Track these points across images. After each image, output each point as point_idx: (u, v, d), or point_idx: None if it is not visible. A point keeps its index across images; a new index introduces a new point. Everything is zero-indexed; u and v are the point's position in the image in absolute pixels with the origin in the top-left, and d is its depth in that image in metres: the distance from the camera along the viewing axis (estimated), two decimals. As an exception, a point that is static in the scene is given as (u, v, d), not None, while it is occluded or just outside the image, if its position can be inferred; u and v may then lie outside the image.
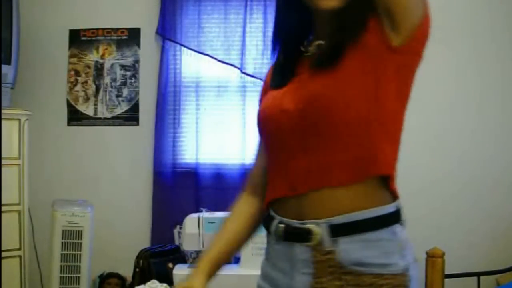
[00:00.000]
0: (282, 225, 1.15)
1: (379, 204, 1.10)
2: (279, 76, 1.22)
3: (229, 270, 2.62)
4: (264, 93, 1.27)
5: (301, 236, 1.11)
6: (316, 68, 1.13)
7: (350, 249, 1.07)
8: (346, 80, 1.08)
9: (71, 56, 3.51)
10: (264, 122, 1.20)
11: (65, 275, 2.95)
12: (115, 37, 3.50)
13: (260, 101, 1.27)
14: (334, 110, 1.07)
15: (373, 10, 1.09)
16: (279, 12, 1.24)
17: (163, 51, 3.41)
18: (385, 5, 1.07)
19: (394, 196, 1.15)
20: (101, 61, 3.50)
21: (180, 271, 2.64)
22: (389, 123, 1.12)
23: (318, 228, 1.08)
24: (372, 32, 1.09)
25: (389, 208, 1.11)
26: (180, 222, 2.85)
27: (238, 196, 1.32)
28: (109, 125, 3.49)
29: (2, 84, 2.89)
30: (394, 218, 1.12)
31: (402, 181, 3.58)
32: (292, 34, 1.22)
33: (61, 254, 2.94)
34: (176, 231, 3.12)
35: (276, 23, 1.25)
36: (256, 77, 3.34)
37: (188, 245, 2.68)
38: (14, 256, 2.84)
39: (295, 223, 1.12)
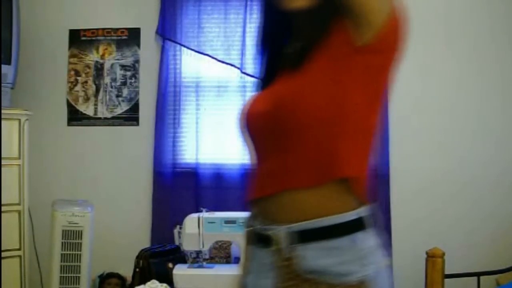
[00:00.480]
0: (249, 228, 1.17)
1: (340, 210, 1.07)
2: (262, 78, 1.24)
3: (229, 270, 2.62)
4: None
5: (263, 241, 1.12)
6: (285, 70, 1.14)
7: (307, 256, 1.06)
8: (310, 81, 1.08)
9: (71, 56, 3.51)
10: (242, 124, 1.22)
11: (65, 275, 2.94)
12: (115, 37, 3.50)
13: None
14: (295, 111, 1.07)
15: (338, 12, 1.09)
16: (262, 17, 1.25)
17: (163, 51, 3.41)
18: (346, 7, 1.07)
19: (361, 201, 1.12)
20: (101, 61, 3.50)
21: (180, 271, 2.64)
22: (356, 125, 1.10)
23: (278, 234, 1.08)
24: (337, 33, 1.09)
25: (350, 215, 1.08)
26: (180, 222, 2.85)
27: None
28: (109, 125, 3.49)
29: (2, 84, 2.89)
30: (355, 226, 1.09)
31: (403, 182, 3.59)
32: (275, 37, 1.23)
33: (61, 254, 2.94)
34: (176, 231, 3.12)
35: (259, 27, 1.26)
36: (256, 77, 3.33)
37: (188, 245, 2.68)
38: (14, 256, 2.84)
39: (258, 227, 1.14)
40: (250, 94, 3.35)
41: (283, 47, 1.21)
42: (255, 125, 1.17)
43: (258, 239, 1.14)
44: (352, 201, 1.10)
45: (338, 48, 1.09)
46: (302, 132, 1.08)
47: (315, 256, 1.06)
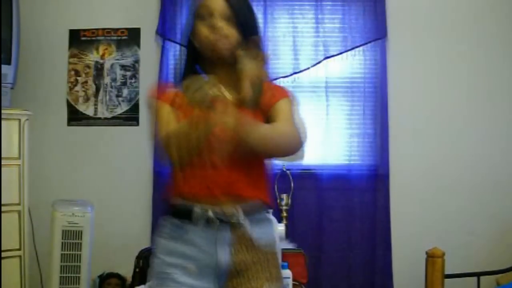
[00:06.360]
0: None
1: None
2: None
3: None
4: None
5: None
6: None
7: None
8: None
9: (71, 56, 3.51)
10: None
11: (65, 275, 2.94)
12: (115, 37, 3.50)
13: None
14: None
15: None
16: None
17: (163, 51, 3.41)
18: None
19: None
20: (101, 61, 3.50)
21: (180, 271, 2.63)
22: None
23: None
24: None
25: None
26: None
27: None
28: (109, 125, 3.49)
29: (2, 84, 2.88)
30: None
31: (403, 182, 3.57)
32: None
33: (61, 254, 2.94)
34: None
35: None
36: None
37: (188, 245, 2.68)
38: (14, 256, 2.84)
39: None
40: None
41: None
42: None
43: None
44: None
45: None
46: None
47: None
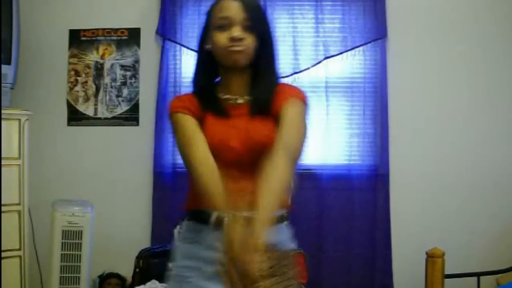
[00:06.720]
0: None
1: None
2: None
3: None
4: None
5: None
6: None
7: None
8: None
9: (71, 56, 3.51)
10: None
11: (65, 275, 2.95)
12: (115, 37, 3.50)
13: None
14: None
15: None
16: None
17: (163, 51, 3.41)
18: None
19: None
20: (101, 61, 3.50)
21: (180, 271, 2.63)
22: None
23: None
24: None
25: None
26: (180, 222, 2.85)
27: None
28: (109, 125, 3.49)
29: (2, 84, 2.88)
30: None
31: (403, 182, 3.57)
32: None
33: (61, 254, 2.94)
34: (176, 231, 3.12)
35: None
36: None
37: (188, 245, 2.68)
38: (14, 256, 2.84)
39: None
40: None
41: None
42: None
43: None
44: None
45: None
46: None
47: None
